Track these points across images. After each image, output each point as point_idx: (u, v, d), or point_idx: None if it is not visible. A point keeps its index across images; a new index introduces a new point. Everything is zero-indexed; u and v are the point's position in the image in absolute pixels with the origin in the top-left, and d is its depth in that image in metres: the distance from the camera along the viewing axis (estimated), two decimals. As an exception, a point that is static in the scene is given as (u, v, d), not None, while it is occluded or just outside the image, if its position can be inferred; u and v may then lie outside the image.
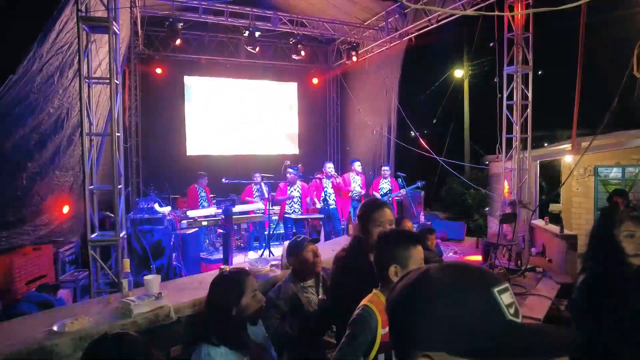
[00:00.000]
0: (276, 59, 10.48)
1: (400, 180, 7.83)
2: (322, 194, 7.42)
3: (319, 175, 7.64)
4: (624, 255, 1.77)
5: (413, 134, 8.78)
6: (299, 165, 9.62)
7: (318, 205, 7.51)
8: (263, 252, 6.90)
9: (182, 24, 7.29)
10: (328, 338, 2.44)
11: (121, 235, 4.29)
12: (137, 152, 9.42)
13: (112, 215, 4.51)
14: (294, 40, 8.31)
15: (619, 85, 4.01)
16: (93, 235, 4.27)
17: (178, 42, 7.60)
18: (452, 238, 8.73)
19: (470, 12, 5.45)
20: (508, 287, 0.68)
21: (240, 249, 8.18)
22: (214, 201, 8.07)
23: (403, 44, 8.59)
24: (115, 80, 4.24)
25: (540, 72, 8.83)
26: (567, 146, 6.76)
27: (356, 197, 7.74)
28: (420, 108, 14.28)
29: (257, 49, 8.06)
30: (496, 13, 5.64)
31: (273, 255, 6.41)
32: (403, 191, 7.77)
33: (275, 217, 7.65)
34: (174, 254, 5.73)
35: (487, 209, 9.31)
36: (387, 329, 1.60)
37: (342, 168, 10.76)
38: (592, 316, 1.72)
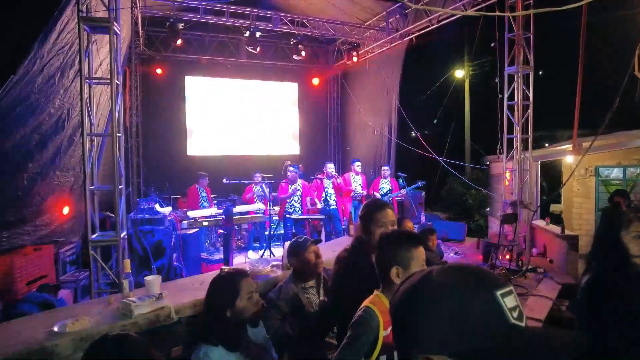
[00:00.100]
0: (277, 59, 10.48)
1: (401, 180, 7.83)
2: (323, 195, 7.42)
3: (319, 176, 7.64)
4: (629, 256, 1.77)
5: (414, 134, 8.77)
6: (300, 165, 9.62)
7: (319, 206, 7.51)
8: (264, 252, 6.90)
9: (182, 25, 7.29)
10: (329, 339, 2.43)
11: (122, 235, 4.29)
12: (137, 153, 9.43)
13: (113, 215, 4.51)
14: (294, 41, 8.31)
15: (620, 85, 4.00)
16: (94, 236, 4.27)
17: (179, 42, 7.60)
18: (453, 238, 8.71)
19: (471, 12, 5.44)
20: (512, 290, 0.67)
21: (241, 249, 8.19)
22: (215, 201, 8.07)
23: (404, 44, 8.59)
24: (116, 81, 4.25)
25: (541, 73, 8.82)
26: (568, 146, 6.75)
27: (357, 198, 7.74)
28: (421, 108, 14.28)
29: (258, 49, 8.06)
30: (497, 13, 5.63)
31: (274, 255, 6.41)
32: (403, 191, 7.77)
33: (276, 218, 7.65)
34: (174, 255, 5.73)
35: (487, 209, 9.30)
36: (388, 330, 1.60)
37: (343, 168, 10.76)
38: (596, 317, 1.72)
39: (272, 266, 3.30)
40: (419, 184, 7.87)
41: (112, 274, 4.28)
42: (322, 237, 7.43)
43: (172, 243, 5.69)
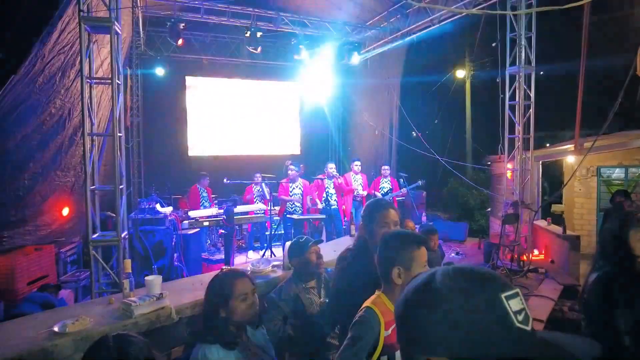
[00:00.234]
0: (278, 59, 10.48)
1: (401, 180, 7.82)
2: (324, 195, 7.41)
3: (320, 176, 7.64)
4: (635, 256, 1.78)
5: (415, 134, 8.76)
6: (301, 165, 9.62)
7: (320, 206, 7.50)
8: (264, 252, 6.89)
9: (183, 24, 7.29)
10: (331, 340, 2.43)
11: (122, 235, 4.28)
12: (138, 153, 9.43)
13: (114, 215, 4.51)
14: (295, 41, 8.30)
15: (622, 85, 3.99)
16: (94, 236, 4.27)
17: (180, 42, 7.60)
18: (454, 239, 8.72)
19: (473, 11, 5.43)
20: (518, 292, 0.66)
21: (242, 249, 8.19)
22: (216, 201, 8.07)
23: (405, 44, 8.58)
24: (116, 80, 4.24)
25: (542, 72, 8.81)
26: (569, 146, 6.74)
27: (358, 198, 7.73)
28: (422, 108, 14.25)
29: (259, 49, 8.06)
30: (499, 12, 5.62)
31: (274, 255, 6.40)
32: (404, 190, 7.76)
33: (276, 218, 7.64)
34: (175, 255, 5.73)
35: (489, 209, 9.28)
36: (389, 330, 1.59)
37: (344, 168, 10.74)
38: (605, 312, 1.71)
39: (273, 266, 3.29)
40: (419, 183, 7.87)
41: (113, 274, 4.28)
42: (323, 237, 7.43)
43: (173, 243, 5.68)
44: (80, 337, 2.12)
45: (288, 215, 7.23)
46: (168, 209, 6.08)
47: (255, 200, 7.87)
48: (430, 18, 7.41)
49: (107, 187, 4.50)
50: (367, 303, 1.67)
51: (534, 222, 6.35)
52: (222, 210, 6.08)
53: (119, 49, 4.40)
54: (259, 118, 10.73)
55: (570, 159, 7.50)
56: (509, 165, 6.29)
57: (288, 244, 2.87)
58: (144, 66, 9.29)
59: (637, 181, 7.93)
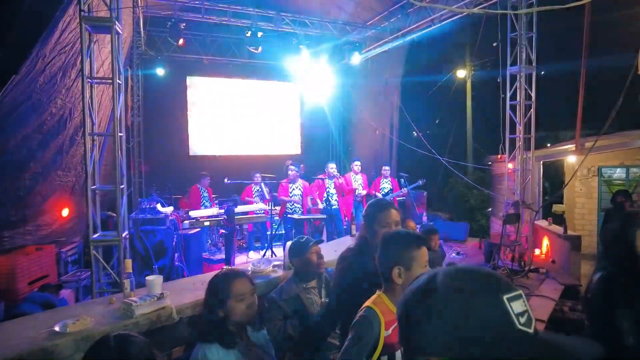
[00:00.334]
0: (278, 59, 10.47)
1: (402, 180, 7.82)
2: (325, 195, 7.41)
3: (321, 176, 7.64)
4: (638, 256, 1.77)
5: (415, 134, 8.76)
6: (301, 165, 9.62)
7: (320, 206, 7.50)
8: (265, 252, 6.89)
9: (184, 24, 7.29)
10: (331, 340, 2.42)
11: (123, 235, 4.28)
12: (139, 152, 9.43)
13: (115, 215, 4.51)
14: (296, 41, 8.30)
15: (623, 85, 3.99)
16: (95, 235, 4.26)
17: (180, 42, 7.61)
18: (455, 239, 8.71)
19: (474, 10, 5.42)
20: (521, 294, 0.65)
21: (243, 249, 8.19)
22: (216, 201, 8.07)
23: (406, 44, 8.57)
24: (117, 80, 4.24)
25: (543, 72, 8.80)
26: (570, 146, 6.73)
27: (358, 198, 7.73)
28: (422, 108, 14.25)
29: (260, 49, 8.06)
30: (499, 12, 5.61)
31: (275, 255, 6.40)
32: (404, 190, 7.76)
33: (277, 218, 7.64)
34: (176, 254, 5.72)
35: (489, 209, 9.28)
36: (390, 330, 1.59)
37: (345, 168, 10.74)
38: (607, 312, 1.71)
39: (274, 266, 3.29)
40: (420, 182, 7.87)
41: (114, 274, 4.28)
42: (324, 237, 7.42)
43: (174, 243, 5.68)
44: (81, 337, 2.12)
45: (289, 216, 7.22)
46: (169, 209, 6.08)
47: (255, 200, 7.87)
48: (431, 18, 7.40)
49: (108, 186, 4.50)
50: (367, 303, 1.67)
51: (535, 222, 6.35)
52: (222, 210, 6.07)
53: (120, 49, 4.40)
54: (260, 118, 10.73)
55: (571, 159, 7.49)
56: (510, 165, 6.28)
57: (289, 244, 2.86)
58: (144, 66, 9.30)
59: (638, 181, 7.93)
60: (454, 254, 7.47)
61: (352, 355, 1.57)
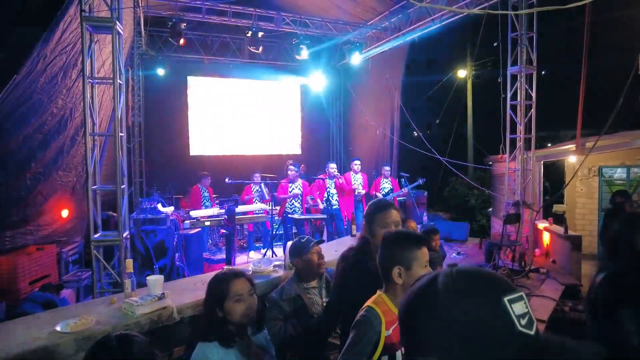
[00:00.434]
0: (279, 59, 10.49)
1: (403, 180, 7.82)
2: (325, 194, 7.41)
3: (321, 176, 7.64)
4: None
5: (416, 133, 8.76)
6: (302, 165, 9.62)
7: (321, 206, 7.50)
8: (266, 252, 6.89)
9: (185, 24, 7.30)
10: (332, 339, 2.43)
11: (124, 235, 4.29)
12: (140, 152, 9.44)
13: (116, 215, 4.52)
14: (296, 40, 8.31)
15: (624, 85, 3.99)
16: (96, 235, 4.27)
17: (181, 42, 7.61)
18: (456, 239, 8.71)
19: (474, 11, 5.42)
20: (522, 296, 0.64)
21: (243, 249, 8.20)
22: (217, 201, 8.08)
23: (406, 43, 8.57)
24: (118, 80, 4.25)
25: (544, 72, 8.79)
26: (571, 146, 6.73)
27: (358, 198, 7.72)
28: (423, 108, 14.26)
29: (260, 49, 8.06)
30: (500, 12, 5.61)
31: (276, 255, 6.40)
32: (405, 189, 7.76)
33: (277, 218, 7.64)
34: (177, 254, 5.73)
35: (490, 209, 9.28)
36: (390, 330, 1.59)
37: (345, 168, 10.74)
38: (612, 313, 1.70)
39: (275, 266, 3.29)
40: (420, 181, 7.87)
41: (115, 274, 4.28)
42: (324, 237, 7.42)
43: (175, 243, 5.69)
44: (82, 337, 2.12)
45: (289, 216, 7.22)
46: (169, 209, 6.09)
47: (254, 200, 7.87)
48: (432, 18, 7.40)
49: (109, 186, 4.51)
50: (368, 303, 1.68)
51: (536, 222, 6.35)
52: (223, 210, 6.08)
53: (121, 49, 4.41)
54: (260, 118, 10.73)
55: (572, 159, 7.49)
56: (511, 165, 6.28)
57: (289, 244, 2.87)
58: (145, 66, 9.30)
59: (639, 181, 7.92)
60: (454, 254, 7.47)
61: (353, 355, 1.57)
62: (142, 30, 7.89)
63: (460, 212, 11.63)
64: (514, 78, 5.99)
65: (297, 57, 8.63)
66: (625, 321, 1.67)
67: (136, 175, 9.27)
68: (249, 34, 7.83)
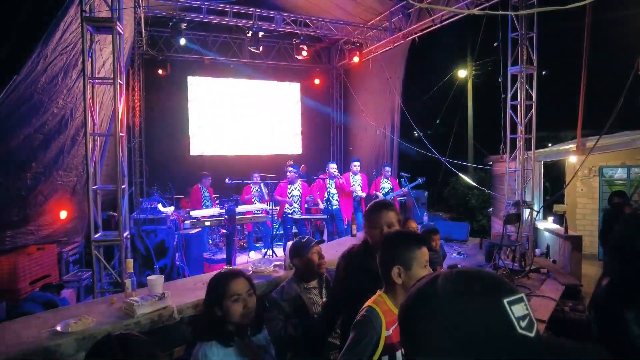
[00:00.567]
0: (279, 59, 10.50)
1: (403, 180, 7.82)
2: (325, 194, 7.41)
3: (322, 176, 7.63)
4: None
5: (416, 134, 8.76)
6: (302, 165, 9.62)
7: (321, 206, 7.50)
8: (266, 252, 6.90)
9: (185, 24, 7.30)
10: (332, 339, 2.43)
11: (124, 235, 4.29)
12: (140, 152, 9.45)
13: (117, 215, 4.52)
14: (297, 41, 8.31)
15: (625, 85, 3.98)
16: (96, 235, 4.27)
17: (181, 42, 7.62)
18: (456, 239, 8.71)
19: (474, 11, 5.42)
20: (522, 297, 0.63)
21: (244, 249, 8.20)
22: (217, 201, 8.08)
23: (406, 44, 8.58)
24: (118, 81, 4.25)
25: (544, 72, 8.79)
26: (571, 146, 6.73)
27: (357, 199, 7.72)
28: (423, 108, 14.27)
29: (261, 49, 8.06)
30: (500, 12, 5.61)
31: (276, 255, 6.40)
32: (405, 189, 7.76)
33: (277, 218, 7.64)
34: (177, 254, 5.73)
35: (490, 209, 9.28)
36: (390, 330, 1.60)
37: (346, 168, 10.75)
38: (620, 316, 1.70)
39: (275, 266, 3.29)
40: (419, 181, 7.87)
41: (115, 274, 4.29)
42: (325, 237, 7.42)
43: (175, 243, 5.69)
44: (82, 337, 2.13)
45: (289, 216, 7.21)
46: (170, 209, 6.09)
47: (253, 200, 7.87)
48: (432, 18, 7.40)
49: (109, 186, 4.52)
50: (368, 303, 1.68)
51: (536, 222, 6.35)
52: (223, 210, 6.09)
53: (121, 49, 4.41)
54: (260, 118, 10.74)
55: (573, 159, 7.49)
56: (511, 165, 6.28)
57: (289, 244, 2.87)
58: (146, 66, 9.31)
59: (639, 181, 7.92)
60: (454, 254, 7.47)
61: (353, 355, 1.57)
62: (143, 30, 7.88)
63: (461, 212, 11.63)
64: (514, 78, 5.98)
65: (297, 57, 8.63)
66: (631, 323, 1.66)
67: (136, 175, 9.28)
68: (249, 34, 7.83)
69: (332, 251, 3.49)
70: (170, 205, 6.54)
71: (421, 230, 4.85)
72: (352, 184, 7.59)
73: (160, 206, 5.86)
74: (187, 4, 7.30)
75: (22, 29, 4.20)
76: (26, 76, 4.34)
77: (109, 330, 2.16)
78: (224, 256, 6.31)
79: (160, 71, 9.17)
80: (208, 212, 5.87)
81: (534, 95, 5.92)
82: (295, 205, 7.30)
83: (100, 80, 4.54)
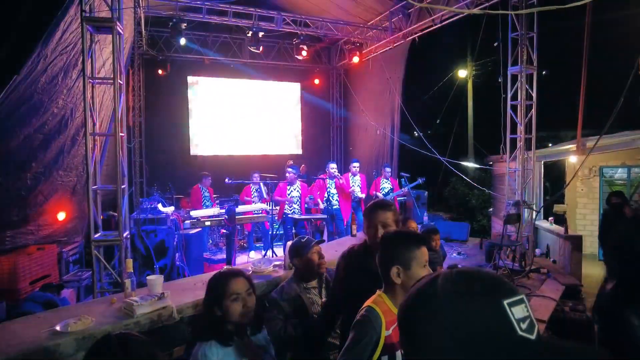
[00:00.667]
0: (279, 59, 10.50)
1: (403, 180, 7.82)
2: (326, 194, 7.41)
3: (322, 176, 7.63)
4: None
5: (416, 134, 8.77)
6: (302, 165, 9.62)
7: (321, 206, 7.50)
8: (266, 252, 6.89)
9: (185, 24, 7.30)
10: (332, 339, 2.43)
11: (124, 235, 4.29)
12: (140, 152, 9.45)
13: (117, 215, 4.52)
14: (297, 41, 8.31)
15: (625, 85, 3.98)
16: (96, 235, 4.27)
17: (182, 42, 7.61)
18: (456, 239, 8.71)
19: (474, 11, 5.42)
20: (523, 299, 0.63)
21: (244, 249, 8.20)
22: (217, 201, 8.08)
23: (406, 44, 8.58)
24: (118, 80, 4.25)
25: (544, 72, 8.79)
26: (571, 146, 6.73)
27: (356, 200, 7.72)
28: (423, 108, 14.27)
29: (261, 49, 8.07)
30: (500, 12, 5.61)
31: (276, 255, 6.40)
32: (405, 189, 7.76)
33: (277, 219, 7.64)
34: (177, 254, 5.73)
35: (490, 209, 9.28)
36: (390, 330, 1.59)
37: (345, 168, 10.75)
38: (627, 319, 1.70)
39: (275, 266, 3.29)
40: (419, 181, 7.87)
41: (115, 274, 4.29)
42: (325, 237, 7.42)
43: (175, 243, 5.69)
44: (82, 337, 2.13)
45: (289, 216, 7.21)
46: (170, 209, 6.09)
47: (253, 200, 7.87)
48: (432, 18, 7.40)
49: (109, 186, 4.52)
50: (368, 302, 1.67)
51: (536, 222, 6.34)
52: (223, 210, 6.09)
53: (121, 49, 4.41)
54: (260, 118, 10.74)
55: (573, 159, 7.49)
56: (511, 165, 6.28)
57: (289, 244, 2.87)
58: (146, 66, 9.31)
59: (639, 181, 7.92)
60: (455, 254, 7.47)
61: (353, 355, 1.57)
62: (143, 30, 7.89)
63: (461, 212, 11.64)
64: (515, 78, 5.98)
65: (297, 57, 8.63)
66: (633, 322, 1.66)
67: (136, 175, 9.28)
68: (249, 34, 7.83)
69: (332, 251, 3.49)
70: (170, 205, 6.54)
71: (421, 230, 4.85)
72: (351, 185, 7.58)
73: (160, 206, 5.86)
74: (187, 4, 7.30)
75: (22, 29, 4.20)
76: (26, 76, 4.34)
77: (109, 330, 2.16)
78: (224, 256, 6.31)
79: (160, 71, 9.16)
80: (208, 212, 5.87)
81: (534, 95, 5.92)
82: (295, 205, 7.30)
83: (100, 80, 4.54)
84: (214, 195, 8.23)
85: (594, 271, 6.30)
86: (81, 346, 2.08)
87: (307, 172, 9.20)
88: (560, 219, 6.67)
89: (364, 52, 9.28)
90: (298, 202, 7.33)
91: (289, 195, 7.29)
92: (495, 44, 6.30)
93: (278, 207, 7.36)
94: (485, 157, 9.86)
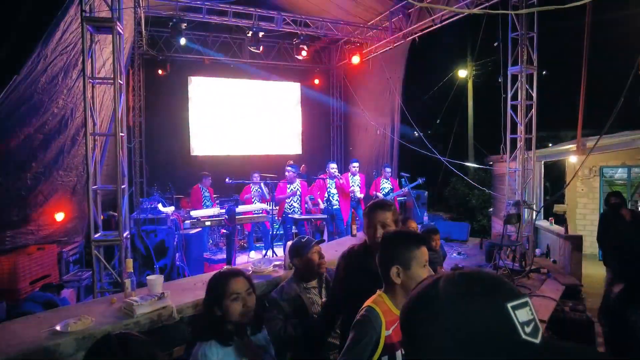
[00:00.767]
0: (279, 59, 10.50)
1: (403, 180, 7.82)
2: (326, 194, 7.40)
3: (322, 176, 7.63)
4: None
5: (416, 134, 8.77)
6: (302, 165, 9.62)
7: (321, 206, 7.49)
8: (266, 252, 6.89)
9: (185, 24, 7.30)
10: (332, 339, 2.43)
11: (124, 235, 4.29)
12: (140, 152, 9.45)
13: (117, 215, 4.52)
14: (297, 41, 8.31)
15: (625, 85, 3.98)
16: (96, 235, 4.27)
17: (182, 42, 7.61)
18: (456, 239, 8.71)
19: (474, 11, 5.42)
20: (527, 302, 0.61)
21: (244, 249, 8.20)
22: (217, 201, 8.08)
23: (407, 44, 8.58)
24: (119, 80, 4.25)
25: (544, 72, 8.79)
26: (572, 146, 6.72)
27: (355, 200, 7.72)
28: (423, 108, 14.28)
29: (261, 49, 8.07)
30: (500, 12, 5.61)
31: (276, 255, 6.40)
32: (405, 189, 7.76)
33: (277, 218, 7.63)
34: (177, 254, 5.73)
35: (491, 209, 9.28)
36: (390, 330, 1.59)
37: (345, 168, 10.74)
38: (624, 314, 1.70)
39: (275, 266, 3.29)
40: (419, 181, 7.87)
41: (115, 274, 4.28)
42: (325, 237, 7.42)
43: (175, 243, 5.69)
44: (82, 337, 2.13)
45: (289, 215, 7.21)
46: (170, 209, 6.09)
47: (253, 200, 7.87)
48: (432, 18, 7.40)
49: (109, 186, 4.52)
50: (368, 302, 1.67)
51: (536, 222, 6.34)
52: (223, 210, 6.09)
53: (121, 49, 4.41)
54: (260, 118, 10.74)
55: (573, 159, 7.49)
56: (511, 165, 6.28)
57: (289, 243, 2.87)
58: (146, 66, 9.31)
59: None
60: (455, 254, 7.47)
61: (353, 355, 1.57)
62: (143, 30, 7.89)
63: (461, 212, 11.64)
64: (515, 78, 5.98)
65: (297, 57, 8.63)
66: (636, 321, 1.66)
67: (137, 175, 9.28)
68: (249, 34, 7.83)
69: (332, 251, 3.49)
70: (170, 205, 6.54)
71: (421, 230, 4.84)
72: (351, 185, 7.58)
73: (160, 206, 5.86)
74: (187, 4, 7.30)
75: (22, 29, 4.20)
76: (26, 76, 4.34)
77: (109, 330, 2.16)
78: (224, 256, 6.31)
79: (160, 71, 9.16)
80: (208, 212, 5.87)
81: (534, 95, 5.91)
82: (294, 205, 7.30)
83: (100, 80, 4.54)
84: (214, 195, 8.23)
85: (594, 271, 6.30)
86: (81, 346, 2.08)
87: (307, 172, 9.19)
88: (561, 219, 6.67)
89: (364, 52, 9.28)
90: (298, 202, 7.33)
91: (289, 192, 7.30)
92: (495, 44, 6.30)
93: (278, 207, 7.36)
94: (486, 157, 9.87)
